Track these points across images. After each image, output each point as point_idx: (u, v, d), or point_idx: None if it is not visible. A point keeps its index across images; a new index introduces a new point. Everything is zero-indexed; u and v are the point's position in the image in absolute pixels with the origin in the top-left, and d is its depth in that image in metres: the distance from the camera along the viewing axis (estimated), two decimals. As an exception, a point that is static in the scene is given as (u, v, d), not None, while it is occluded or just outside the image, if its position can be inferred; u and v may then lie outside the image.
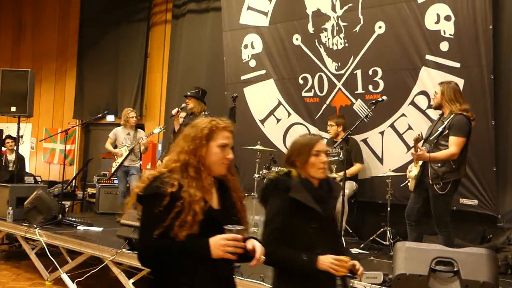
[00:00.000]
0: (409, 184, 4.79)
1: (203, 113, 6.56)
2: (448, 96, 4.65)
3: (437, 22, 6.12)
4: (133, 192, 2.29)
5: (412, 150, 4.58)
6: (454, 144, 4.46)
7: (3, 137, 8.89)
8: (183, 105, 6.63)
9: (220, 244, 2.16)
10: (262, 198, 2.81)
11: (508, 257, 5.05)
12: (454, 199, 5.09)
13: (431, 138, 4.62)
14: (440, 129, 4.58)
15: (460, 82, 5.82)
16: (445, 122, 4.58)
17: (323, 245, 2.65)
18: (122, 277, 5.15)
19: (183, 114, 6.70)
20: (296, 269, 2.65)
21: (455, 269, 3.34)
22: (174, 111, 6.56)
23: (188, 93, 6.62)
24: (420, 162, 4.65)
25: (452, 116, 4.58)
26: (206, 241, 2.18)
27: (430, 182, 4.52)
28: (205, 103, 6.65)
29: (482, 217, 5.84)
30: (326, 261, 2.57)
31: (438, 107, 4.79)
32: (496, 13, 5.83)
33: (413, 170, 4.73)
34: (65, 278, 5.68)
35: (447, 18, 6.05)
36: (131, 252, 5.02)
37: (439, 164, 4.52)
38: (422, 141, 4.72)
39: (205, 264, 2.21)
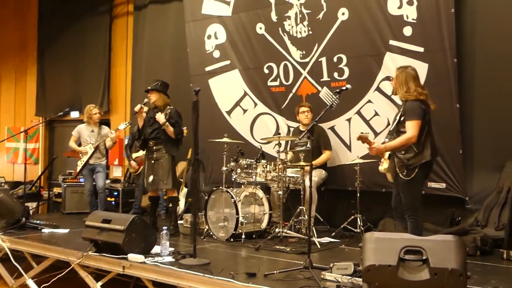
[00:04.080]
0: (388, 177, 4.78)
1: (168, 107, 6.44)
2: (399, 80, 4.59)
3: (400, 7, 6.11)
4: None
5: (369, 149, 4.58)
6: (409, 127, 4.43)
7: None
8: (146, 100, 6.48)
9: None
10: None
11: (476, 239, 5.08)
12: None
13: (391, 129, 4.61)
14: (397, 118, 4.57)
15: (424, 67, 5.83)
16: (401, 110, 4.57)
17: None
18: (89, 280, 5.00)
19: (146, 109, 6.55)
20: None
21: (423, 258, 3.31)
22: (137, 108, 6.40)
23: (149, 87, 6.49)
24: (386, 155, 4.63)
25: (406, 103, 4.54)
26: None
27: (398, 170, 4.51)
28: (168, 96, 6.51)
29: (451, 199, 5.89)
30: None
31: (396, 92, 4.74)
32: (457, -4, 5.83)
33: (384, 164, 4.71)
34: (31, 283, 5.50)
35: (410, 2, 6.04)
36: (98, 254, 4.88)
37: (402, 152, 4.50)
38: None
39: None
